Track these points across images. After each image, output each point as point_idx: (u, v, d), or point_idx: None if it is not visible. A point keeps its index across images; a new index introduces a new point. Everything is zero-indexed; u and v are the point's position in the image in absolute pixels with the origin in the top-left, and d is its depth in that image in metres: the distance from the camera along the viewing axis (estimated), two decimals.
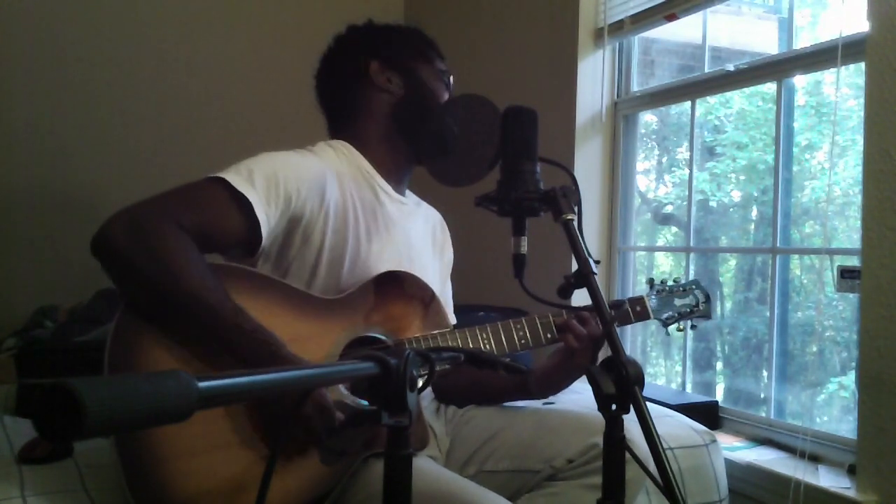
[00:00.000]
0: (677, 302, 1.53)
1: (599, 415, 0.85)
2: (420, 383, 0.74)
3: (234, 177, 1.25)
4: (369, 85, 1.51)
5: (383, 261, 1.40)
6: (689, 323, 1.55)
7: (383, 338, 1.34)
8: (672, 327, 1.54)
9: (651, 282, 1.55)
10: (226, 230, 1.25)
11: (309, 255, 1.34)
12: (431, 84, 1.53)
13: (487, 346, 1.35)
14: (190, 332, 1.19)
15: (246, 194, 1.24)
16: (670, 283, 1.55)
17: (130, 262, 1.15)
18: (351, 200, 1.40)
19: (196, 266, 1.19)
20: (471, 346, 1.34)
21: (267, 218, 1.27)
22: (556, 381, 1.43)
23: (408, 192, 1.60)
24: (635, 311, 1.49)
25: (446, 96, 1.55)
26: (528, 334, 1.39)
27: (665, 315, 1.52)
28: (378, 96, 1.51)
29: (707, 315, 1.56)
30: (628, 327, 2.31)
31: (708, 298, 1.56)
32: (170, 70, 3.02)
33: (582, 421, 1.36)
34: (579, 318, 1.39)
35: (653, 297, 1.52)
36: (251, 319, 1.19)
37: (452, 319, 1.60)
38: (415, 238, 1.51)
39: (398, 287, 1.38)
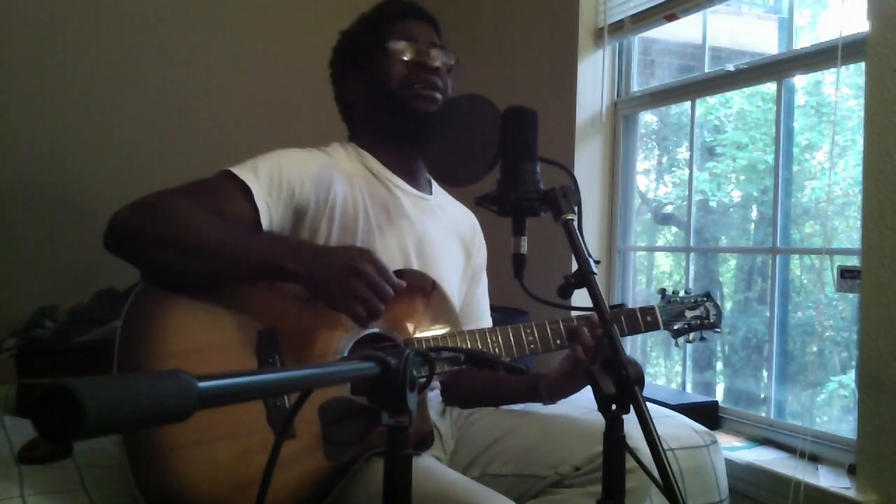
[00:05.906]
0: (688, 314, 1.52)
1: (604, 420, 0.85)
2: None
3: (239, 168, 1.32)
4: (348, 98, 1.55)
5: (394, 254, 1.41)
6: (699, 335, 1.54)
7: (391, 335, 1.34)
8: (681, 339, 1.53)
9: (663, 291, 1.54)
10: (233, 218, 1.28)
11: None
12: (385, 67, 1.45)
13: (496, 349, 1.35)
14: (233, 275, 1.23)
15: (248, 183, 1.29)
16: (682, 294, 1.54)
17: (150, 235, 1.20)
18: (360, 196, 1.42)
19: (211, 218, 1.24)
20: (479, 347, 1.34)
21: (267, 207, 1.31)
22: (565, 388, 1.43)
23: (438, 189, 1.60)
24: (646, 321, 1.48)
25: (408, 62, 1.45)
26: (537, 339, 1.37)
27: (676, 326, 1.51)
28: (357, 105, 1.54)
29: (717, 327, 1.55)
30: None
31: (719, 311, 1.55)
32: (170, 70, 3.02)
33: (587, 427, 1.36)
34: (590, 324, 1.37)
35: (664, 307, 1.50)
36: (286, 239, 1.29)
37: (488, 321, 1.62)
38: (434, 232, 1.51)
39: (407, 283, 1.38)
